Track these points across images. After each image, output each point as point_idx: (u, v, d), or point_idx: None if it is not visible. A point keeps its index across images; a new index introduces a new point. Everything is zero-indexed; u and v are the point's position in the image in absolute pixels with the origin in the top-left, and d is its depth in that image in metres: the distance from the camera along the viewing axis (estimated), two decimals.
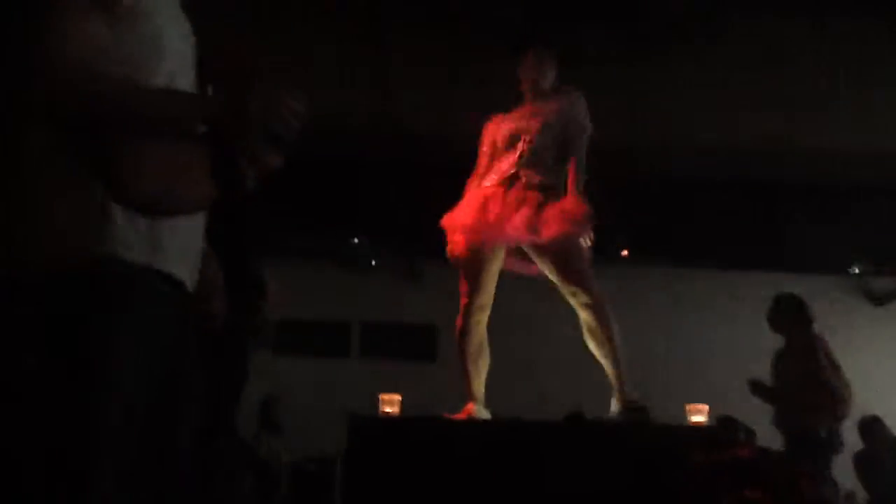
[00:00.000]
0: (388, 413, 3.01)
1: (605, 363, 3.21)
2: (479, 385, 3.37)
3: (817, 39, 5.58)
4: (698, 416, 3.22)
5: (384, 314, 8.48)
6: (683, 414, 3.28)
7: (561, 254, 3.23)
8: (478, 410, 3.30)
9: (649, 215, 6.92)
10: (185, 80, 1.56)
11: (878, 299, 9.02)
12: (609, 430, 3.07)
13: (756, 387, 4.75)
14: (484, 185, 3.41)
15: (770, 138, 5.75)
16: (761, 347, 8.40)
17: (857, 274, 8.64)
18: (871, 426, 6.24)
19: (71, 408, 1.33)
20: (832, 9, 5.47)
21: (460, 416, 3.25)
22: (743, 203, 6.96)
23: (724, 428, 4.50)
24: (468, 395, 3.34)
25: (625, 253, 7.55)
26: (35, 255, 1.38)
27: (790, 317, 4.77)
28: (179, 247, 1.49)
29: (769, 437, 5.16)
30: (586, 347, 3.26)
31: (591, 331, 3.22)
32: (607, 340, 3.19)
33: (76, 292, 1.35)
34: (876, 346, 8.71)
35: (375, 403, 3.26)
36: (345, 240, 7.96)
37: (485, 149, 3.55)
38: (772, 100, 5.64)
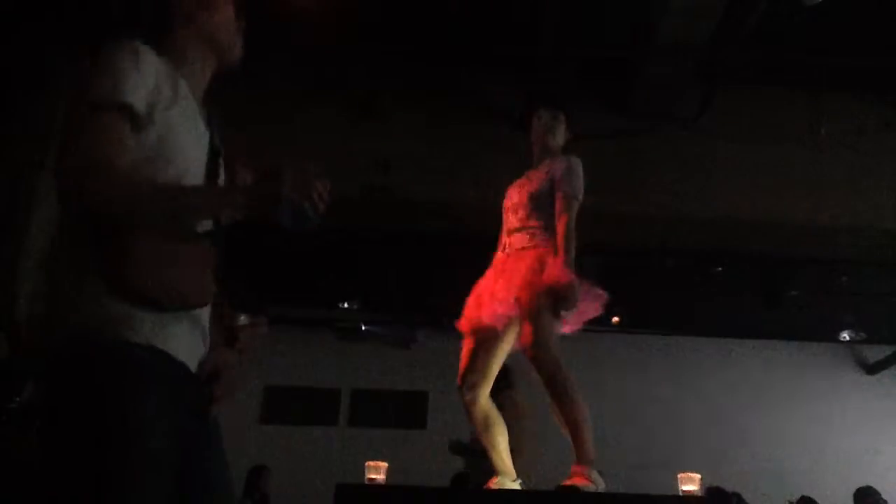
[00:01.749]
0: (373, 480, 2.96)
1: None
2: (498, 458, 3.23)
3: (804, 120, 5.72)
4: (690, 485, 3.15)
5: (374, 381, 8.43)
6: (673, 482, 3.23)
7: (527, 311, 3.07)
8: (499, 484, 3.17)
9: (644, 284, 6.95)
10: (195, 181, 1.63)
11: (870, 368, 9.02)
12: (598, 501, 3.01)
13: (452, 446, 4.85)
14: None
15: (765, 212, 5.82)
16: (753, 414, 8.45)
17: (849, 342, 8.65)
18: (866, 497, 6.17)
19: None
20: (822, 89, 5.62)
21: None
22: (737, 273, 7.01)
23: (715, 498, 4.45)
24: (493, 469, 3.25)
25: (616, 320, 7.55)
26: (49, 335, 1.46)
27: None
28: (182, 332, 1.55)
29: None
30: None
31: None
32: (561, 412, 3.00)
33: (88, 371, 1.42)
34: (868, 414, 8.68)
35: (364, 471, 3.22)
36: (336, 305, 7.95)
37: (502, 213, 3.49)
38: (766, 175, 5.75)
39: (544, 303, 3.06)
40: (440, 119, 5.67)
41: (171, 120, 1.56)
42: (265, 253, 4.64)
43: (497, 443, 3.26)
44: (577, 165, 3.30)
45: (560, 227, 3.17)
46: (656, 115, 5.65)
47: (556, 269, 3.08)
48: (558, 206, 3.22)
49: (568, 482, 2.90)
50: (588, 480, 2.89)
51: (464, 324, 3.29)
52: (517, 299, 3.10)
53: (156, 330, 1.47)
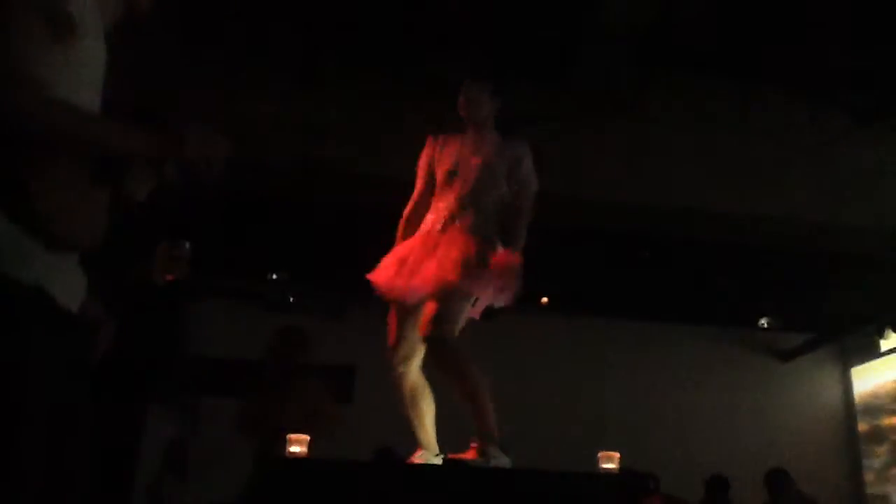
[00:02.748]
0: (294, 454, 2.93)
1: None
2: (423, 433, 3.22)
3: (734, 109, 5.84)
4: (609, 463, 3.21)
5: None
6: (593, 462, 3.28)
7: (441, 290, 3.05)
8: (423, 457, 3.16)
9: (571, 266, 7.04)
10: (95, 108, 1.53)
11: (784, 355, 9.31)
12: (519, 477, 3.04)
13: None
14: (422, 228, 3.28)
15: (691, 198, 5.94)
16: (671, 396, 8.66)
17: (766, 329, 8.92)
18: (776, 479, 6.38)
19: None
20: (751, 80, 5.74)
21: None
22: (659, 258, 7.15)
23: (632, 477, 4.55)
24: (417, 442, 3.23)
25: (544, 300, 7.63)
26: None
27: (285, 346, 5.30)
28: (70, 274, 1.47)
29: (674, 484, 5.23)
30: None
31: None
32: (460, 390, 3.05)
33: None
34: (781, 399, 8.99)
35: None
36: (263, 276, 7.85)
37: (423, 172, 3.42)
38: (694, 163, 5.86)
39: (464, 287, 3.05)
40: (380, 93, 5.62)
41: (88, 40, 1.46)
42: (191, 221, 4.57)
43: (424, 416, 3.23)
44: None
45: (520, 223, 3.24)
46: (590, 98, 5.70)
47: (506, 257, 3.11)
48: (520, 196, 3.30)
49: (461, 455, 2.91)
50: (482, 456, 2.88)
51: (387, 292, 3.21)
52: (440, 279, 3.05)
53: (45, 270, 1.37)
